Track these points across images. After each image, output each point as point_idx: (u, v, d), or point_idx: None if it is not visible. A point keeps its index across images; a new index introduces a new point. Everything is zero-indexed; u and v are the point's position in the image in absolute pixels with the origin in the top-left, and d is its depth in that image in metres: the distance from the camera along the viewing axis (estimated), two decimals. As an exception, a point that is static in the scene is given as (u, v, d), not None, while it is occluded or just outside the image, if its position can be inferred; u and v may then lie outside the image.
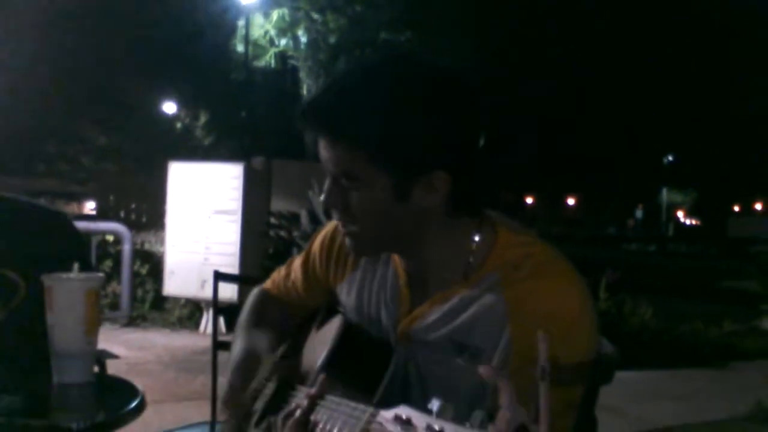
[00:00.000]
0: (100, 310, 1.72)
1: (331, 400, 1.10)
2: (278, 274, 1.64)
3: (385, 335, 1.37)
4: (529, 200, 64.52)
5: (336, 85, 1.24)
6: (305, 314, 1.56)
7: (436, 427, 0.79)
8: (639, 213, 64.03)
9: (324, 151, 1.23)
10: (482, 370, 0.83)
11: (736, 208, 73.45)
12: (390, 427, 0.86)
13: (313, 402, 1.12)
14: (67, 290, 1.54)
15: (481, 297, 1.26)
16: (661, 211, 62.82)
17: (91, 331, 1.57)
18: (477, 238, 1.29)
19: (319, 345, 1.37)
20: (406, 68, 1.24)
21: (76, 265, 1.63)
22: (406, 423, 0.84)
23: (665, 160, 60.81)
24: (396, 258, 1.39)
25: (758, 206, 74.08)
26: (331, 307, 1.49)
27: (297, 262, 1.60)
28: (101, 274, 1.67)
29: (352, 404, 1.02)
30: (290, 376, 1.33)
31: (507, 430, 0.77)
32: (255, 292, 1.64)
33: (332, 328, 1.39)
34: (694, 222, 77.14)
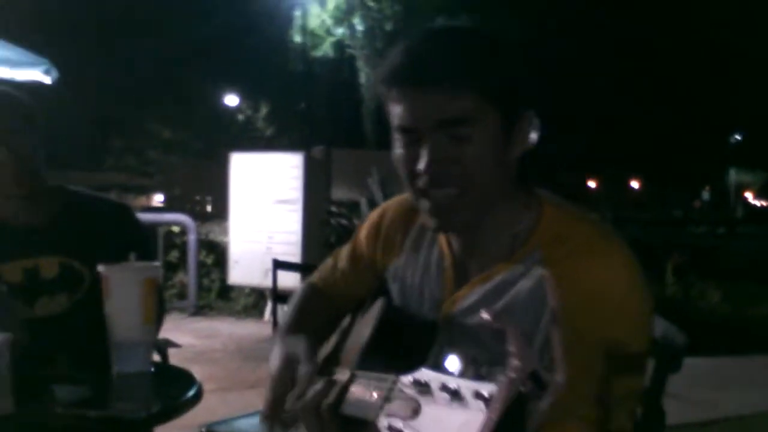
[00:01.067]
0: (160, 299, 1.74)
1: (365, 374, 1.11)
2: (325, 266, 1.63)
3: (429, 315, 1.35)
4: (592, 184, 63.59)
5: (429, 38, 1.21)
6: (353, 305, 1.55)
7: (451, 386, 0.81)
8: (706, 195, 62.55)
9: (424, 104, 1.16)
10: (484, 314, 0.81)
11: (809, 188, 71.21)
12: (409, 390, 0.87)
13: (351, 378, 1.13)
14: (122, 279, 1.56)
15: (523, 277, 1.23)
16: (729, 193, 61.28)
17: (149, 320, 1.59)
18: (527, 214, 1.27)
19: (363, 328, 1.37)
20: (480, 25, 1.26)
21: (132, 255, 1.65)
22: (424, 386, 0.85)
23: (731, 140, 59.26)
24: (442, 239, 1.37)
25: (832, 185, 71.71)
26: (377, 295, 1.47)
27: (344, 251, 1.60)
28: (158, 263, 1.69)
29: (382, 375, 1.02)
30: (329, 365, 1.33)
31: (519, 378, 0.75)
32: (301, 287, 1.63)
33: (374, 311, 1.38)
34: (764, 203, 75.18)
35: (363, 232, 1.55)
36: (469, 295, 1.28)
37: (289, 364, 1.32)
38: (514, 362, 0.76)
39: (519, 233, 1.27)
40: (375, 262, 1.51)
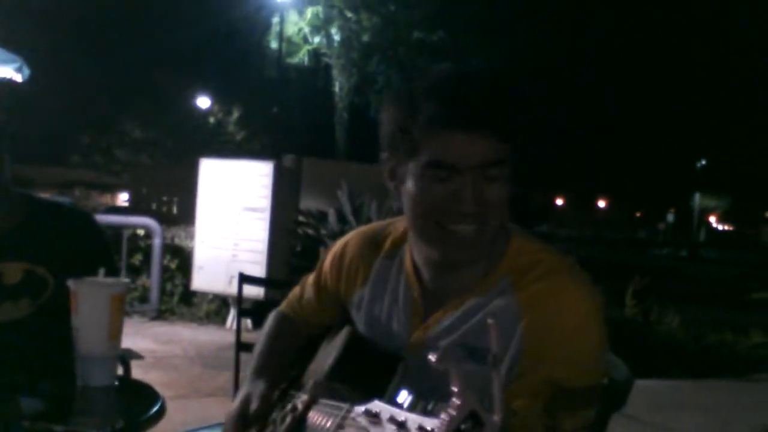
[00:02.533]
0: (124, 314, 1.75)
1: (324, 402, 1.18)
2: (293, 295, 1.69)
3: (395, 345, 1.40)
4: (559, 201, 64.11)
5: (471, 83, 1.27)
6: (320, 332, 1.60)
7: (399, 419, 0.87)
8: (670, 217, 63.34)
9: (471, 146, 1.23)
10: (431, 356, 0.86)
11: (771, 215, 72.37)
12: (361, 420, 0.94)
13: (309, 404, 1.18)
14: (92, 295, 1.57)
15: (492, 300, 1.30)
16: (693, 216, 62.09)
17: (115, 336, 1.61)
18: (494, 246, 1.34)
19: (327, 355, 1.41)
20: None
21: (102, 270, 1.67)
22: (374, 416, 0.91)
23: (698, 164, 60.08)
24: (409, 269, 1.42)
25: (793, 213, 72.93)
26: (343, 322, 1.52)
27: (310, 280, 1.65)
28: (127, 280, 1.71)
29: (338, 403, 1.08)
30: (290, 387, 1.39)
31: (458, 416, 0.80)
32: (272, 316, 1.68)
33: (339, 339, 1.43)
34: (726, 228, 76.25)
35: (326, 262, 1.60)
36: (442, 321, 1.34)
37: (244, 404, 1.38)
38: (455, 401, 0.81)
39: (489, 262, 1.33)
40: (338, 293, 1.56)
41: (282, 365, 1.51)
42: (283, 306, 1.69)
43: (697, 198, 61.73)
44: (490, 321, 0.91)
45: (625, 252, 36.19)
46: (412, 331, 1.38)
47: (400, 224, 1.52)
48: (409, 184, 1.29)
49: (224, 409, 1.43)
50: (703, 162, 60.54)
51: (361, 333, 1.47)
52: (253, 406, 1.35)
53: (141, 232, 8.98)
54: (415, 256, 1.42)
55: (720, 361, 7.25)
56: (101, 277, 1.65)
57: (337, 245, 1.60)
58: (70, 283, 1.59)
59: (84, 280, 1.61)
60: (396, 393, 0.95)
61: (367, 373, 1.32)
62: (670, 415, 5.49)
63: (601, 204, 73.51)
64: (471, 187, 1.24)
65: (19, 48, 6.78)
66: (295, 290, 1.69)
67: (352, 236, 1.59)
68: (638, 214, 74.46)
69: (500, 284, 1.31)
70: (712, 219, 72.92)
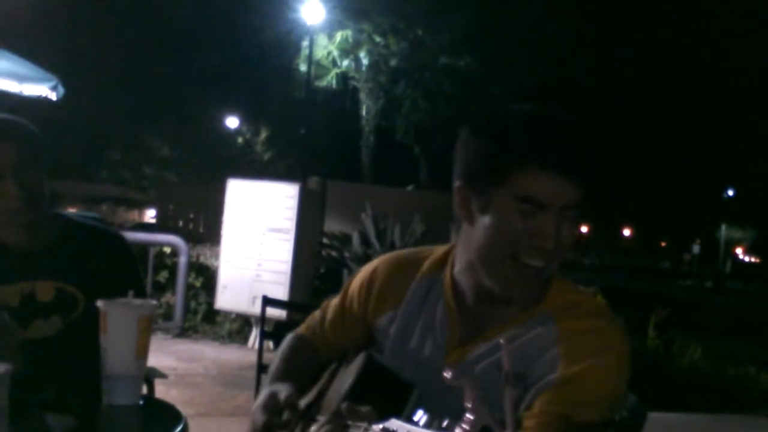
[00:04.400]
0: (150, 335, 1.80)
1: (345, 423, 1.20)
2: (312, 318, 1.71)
3: (424, 368, 1.44)
4: (584, 229, 63.73)
5: (575, 126, 1.34)
6: (338, 356, 1.62)
7: None
8: (696, 248, 62.78)
9: (564, 188, 1.29)
10: (446, 374, 0.90)
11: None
12: None
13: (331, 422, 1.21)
14: (121, 316, 1.62)
15: (532, 330, 1.36)
16: (719, 247, 61.48)
17: (141, 356, 1.66)
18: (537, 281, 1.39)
19: (345, 379, 1.45)
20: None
21: (131, 293, 1.72)
22: None
23: (725, 195, 59.55)
24: (448, 293, 1.47)
25: (821, 246, 71.92)
26: (361, 348, 1.55)
27: (332, 304, 1.68)
28: (154, 302, 1.76)
29: (356, 423, 1.11)
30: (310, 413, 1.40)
31: (472, 431, 0.84)
32: (289, 337, 1.70)
33: (357, 363, 1.46)
34: (753, 260, 75.38)
35: (354, 286, 1.62)
36: (481, 346, 1.39)
37: (272, 396, 1.39)
38: (468, 416, 0.85)
39: (530, 297, 1.39)
40: (365, 317, 1.59)
41: (300, 381, 1.52)
42: (301, 328, 1.72)
43: (723, 229, 61.15)
44: (501, 341, 0.95)
45: (649, 282, 35.88)
46: (447, 354, 1.42)
47: (438, 249, 1.56)
48: (491, 215, 1.33)
49: (242, 429, 1.45)
50: (730, 193, 60.03)
51: (381, 358, 1.50)
52: (283, 395, 1.35)
53: (167, 249, 9.08)
54: (462, 282, 1.45)
55: (741, 395, 7.18)
56: (130, 298, 1.70)
57: (364, 270, 1.63)
58: (100, 304, 1.64)
59: (114, 301, 1.66)
60: (413, 413, 0.99)
61: (383, 397, 1.35)
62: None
63: (626, 232, 73.02)
64: (554, 225, 1.29)
65: (52, 65, 6.92)
66: (316, 314, 1.71)
67: (380, 261, 1.62)
68: (663, 244, 73.88)
69: (541, 318, 1.36)
70: (739, 251, 72.14)
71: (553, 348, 1.31)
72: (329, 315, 1.66)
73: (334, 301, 1.67)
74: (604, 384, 1.29)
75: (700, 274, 49.27)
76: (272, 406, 1.35)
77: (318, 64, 19.43)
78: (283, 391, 1.37)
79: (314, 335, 1.68)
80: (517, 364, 1.31)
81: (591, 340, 1.31)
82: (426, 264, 1.54)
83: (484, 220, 1.33)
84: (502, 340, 0.96)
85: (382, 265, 1.60)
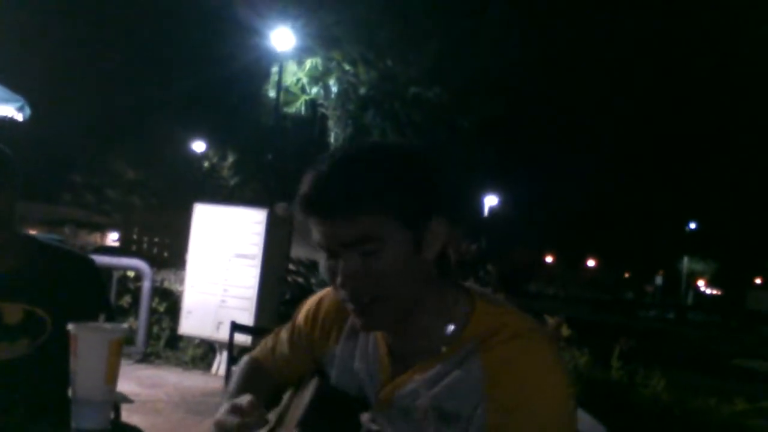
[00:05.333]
0: (120, 359, 1.79)
1: None
2: (265, 344, 1.72)
3: (360, 401, 1.44)
4: (549, 259, 64.15)
5: (333, 172, 1.31)
6: (293, 381, 1.63)
7: None
8: (659, 279, 63.47)
9: (329, 230, 1.30)
10: (362, 418, 0.91)
11: (758, 281, 72.62)
12: None
13: None
14: (92, 340, 1.61)
15: (459, 364, 1.33)
16: (681, 279, 62.24)
17: (111, 380, 1.64)
18: (458, 308, 1.38)
19: (299, 405, 1.46)
20: (379, 145, 1.42)
21: (102, 316, 1.71)
22: None
23: (687, 228, 60.41)
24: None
25: (780, 280, 73.14)
26: (315, 373, 1.56)
27: (283, 334, 1.69)
28: (126, 326, 1.74)
29: None
30: None
31: None
32: (245, 360, 1.72)
33: (309, 390, 1.47)
34: (714, 292, 76.31)
35: (301, 318, 1.64)
36: (410, 382, 1.38)
37: (235, 404, 1.39)
38: None
39: (454, 325, 1.37)
40: (312, 348, 1.60)
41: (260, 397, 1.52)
42: (255, 352, 1.73)
43: (686, 261, 61.95)
44: (418, 384, 0.94)
45: (613, 313, 36.21)
46: (380, 389, 1.42)
47: None
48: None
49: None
50: (693, 226, 60.91)
51: (333, 385, 1.50)
52: (245, 400, 1.38)
53: (131, 273, 8.99)
54: None
55: (703, 427, 7.23)
56: (101, 322, 1.69)
57: (310, 301, 1.65)
58: (71, 327, 1.63)
59: (85, 324, 1.65)
60: None
61: (335, 422, 1.37)
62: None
63: (591, 263, 73.60)
64: (342, 266, 1.31)
65: (18, 86, 6.86)
66: (268, 341, 1.72)
67: (326, 293, 1.63)
68: (627, 275, 74.56)
69: (467, 347, 1.34)
70: (701, 283, 73.06)
71: (478, 386, 1.30)
72: (279, 346, 1.68)
73: (285, 332, 1.69)
74: (541, 416, 1.27)
75: (662, 305, 49.82)
76: (237, 411, 1.37)
77: (287, 90, 19.46)
78: (246, 398, 1.39)
79: (268, 362, 1.70)
80: (446, 403, 1.32)
81: (518, 370, 1.29)
82: None
83: None
84: (418, 383, 0.98)
85: (326, 298, 1.62)
